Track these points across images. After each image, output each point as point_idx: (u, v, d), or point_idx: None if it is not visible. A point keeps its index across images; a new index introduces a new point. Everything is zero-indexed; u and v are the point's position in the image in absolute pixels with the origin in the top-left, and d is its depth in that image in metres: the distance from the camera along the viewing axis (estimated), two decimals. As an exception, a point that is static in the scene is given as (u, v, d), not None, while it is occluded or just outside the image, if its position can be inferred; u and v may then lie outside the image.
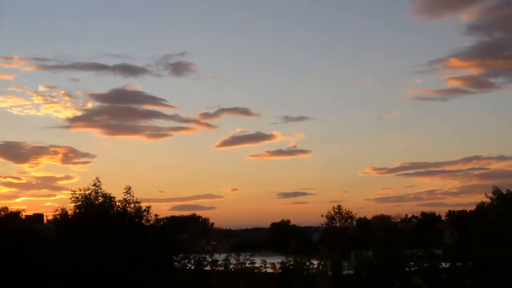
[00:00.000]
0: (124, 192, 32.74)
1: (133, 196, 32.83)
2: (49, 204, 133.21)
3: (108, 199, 32.47)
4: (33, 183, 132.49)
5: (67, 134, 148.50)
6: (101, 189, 32.35)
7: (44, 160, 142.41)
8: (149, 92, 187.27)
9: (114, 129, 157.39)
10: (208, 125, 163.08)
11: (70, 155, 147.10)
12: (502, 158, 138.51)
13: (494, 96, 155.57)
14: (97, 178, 32.39)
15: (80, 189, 32.38)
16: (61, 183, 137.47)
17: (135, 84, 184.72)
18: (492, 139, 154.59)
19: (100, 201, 32.28)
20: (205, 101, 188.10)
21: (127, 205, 32.81)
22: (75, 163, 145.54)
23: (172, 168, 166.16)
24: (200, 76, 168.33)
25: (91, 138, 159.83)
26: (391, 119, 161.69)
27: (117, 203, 32.74)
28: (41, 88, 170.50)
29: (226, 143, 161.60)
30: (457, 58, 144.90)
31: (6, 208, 40.48)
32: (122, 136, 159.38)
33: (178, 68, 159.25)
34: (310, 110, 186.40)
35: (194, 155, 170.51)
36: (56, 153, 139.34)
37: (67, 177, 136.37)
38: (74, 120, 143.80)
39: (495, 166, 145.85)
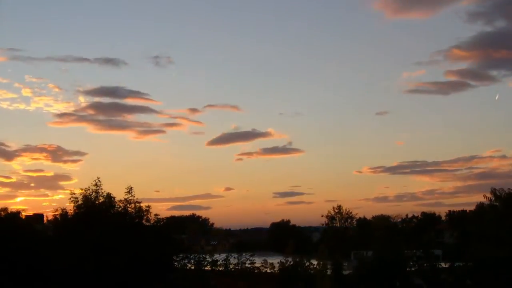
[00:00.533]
0: (125, 192, 32.85)
1: (134, 196, 32.93)
2: (46, 204, 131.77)
3: (109, 199, 32.52)
4: (25, 182, 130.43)
5: (54, 130, 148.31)
6: (101, 189, 32.46)
7: (33, 158, 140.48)
8: (135, 87, 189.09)
9: (102, 125, 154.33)
10: (198, 121, 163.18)
11: (59, 153, 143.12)
12: (503, 157, 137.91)
13: (495, 89, 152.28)
14: (98, 178, 32.51)
15: (81, 189, 32.50)
16: (54, 182, 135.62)
17: (121, 78, 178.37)
18: (493, 136, 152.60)
19: (100, 201, 32.34)
20: (192, 97, 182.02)
21: (128, 205, 32.87)
22: (65, 161, 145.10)
23: (164, 167, 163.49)
24: (186, 70, 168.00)
25: (80, 134, 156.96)
26: (389, 115, 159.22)
27: (118, 203, 32.80)
28: (18, 84, 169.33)
29: (218, 140, 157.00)
30: (458, 49, 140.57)
31: (6, 208, 40.59)
32: (111, 132, 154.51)
33: (164, 62, 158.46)
34: (306, 107, 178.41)
35: (186, 153, 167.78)
36: (45, 150, 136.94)
37: (59, 176, 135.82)
38: (60, 116, 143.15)
39: (496, 165, 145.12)
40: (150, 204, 33.76)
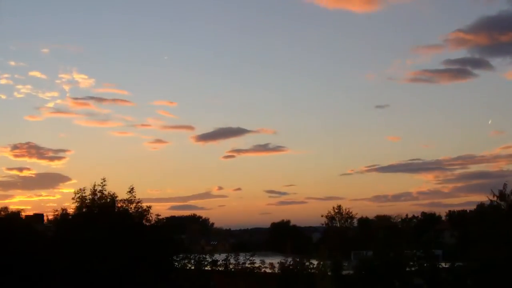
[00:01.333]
0: (127, 192, 32.86)
1: (135, 196, 32.94)
2: (42, 204, 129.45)
3: (110, 199, 32.53)
4: (11, 180, 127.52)
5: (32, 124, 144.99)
6: (102, 189, 32.47)
7: (16, 155, 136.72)
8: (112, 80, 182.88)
9: (83, 118, 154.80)
10: (184, 117, 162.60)
11: (41, 151, 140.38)
12: (504, 157, 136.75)
13: (496, 79, 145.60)
14: (102, 178, 32.56)
15: (80, 189, 32.53)
16: (44, 180, 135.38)
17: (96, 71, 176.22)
18: (495, 133, 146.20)
19: (101, 201, 32.35)
20: (177, 91, 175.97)
21: (129, 205, 32.87)
22: (52, 159, 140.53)
23: (152, 164, 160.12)
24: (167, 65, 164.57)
25: (60, 128, 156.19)
26: (387, 109, 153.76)
27: (119, 203, 32.80)
28: None
29: (206, 137, 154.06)
30: (460, 34, 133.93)
31: (7, 208, 40.65)
32: (92, 125, 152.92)
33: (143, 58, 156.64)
34: (300, 102, 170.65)
35: (174, 150, 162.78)
36: (27, 146, 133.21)
37: (49, 175, 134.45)
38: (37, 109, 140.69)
39: (496, 165, 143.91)
40: (146, 204, 33.76)
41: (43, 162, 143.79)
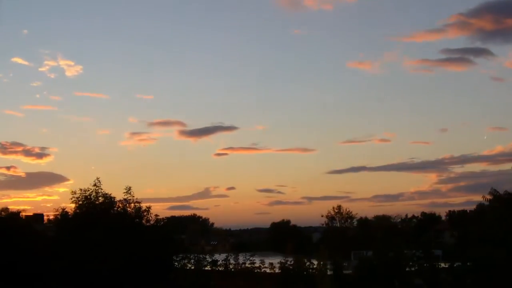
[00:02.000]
0: (124, 192, 32.92)
1: (133, 196, 32.98)
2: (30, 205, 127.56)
3: (108, 199, 32.58)
4: (2, 180, 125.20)
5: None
6: (101, 189, 32.56)
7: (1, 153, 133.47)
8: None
9: (65, 112, 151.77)
10: (171, 112, 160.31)
11: (28, 148, 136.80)
12: (505, 155, 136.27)
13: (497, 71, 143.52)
14: (97, 178, 32.61)
15: (80, 189, 32.58)
16: (34, 180, 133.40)
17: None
18: (497, 131, 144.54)
19: (100, 201, 32.40)
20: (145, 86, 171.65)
21: (127, 205, 32.92)
22: (40, 156, 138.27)
23: (143, 162, 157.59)
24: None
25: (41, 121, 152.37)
26: (385, 105, 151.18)
27: (117, 203, 32.85)
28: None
29: (194, 133, 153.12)
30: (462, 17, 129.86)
31: (7, 208, 40.75)
32: (75, 119, 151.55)
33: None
34: (294, 98, 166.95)
35: (161, 146, 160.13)
36: (12, 144, 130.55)
37: (41, 174, 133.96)
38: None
39: (496, 165, 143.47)
40: (145, 204, 33.76)
41: (31, 160, 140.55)
